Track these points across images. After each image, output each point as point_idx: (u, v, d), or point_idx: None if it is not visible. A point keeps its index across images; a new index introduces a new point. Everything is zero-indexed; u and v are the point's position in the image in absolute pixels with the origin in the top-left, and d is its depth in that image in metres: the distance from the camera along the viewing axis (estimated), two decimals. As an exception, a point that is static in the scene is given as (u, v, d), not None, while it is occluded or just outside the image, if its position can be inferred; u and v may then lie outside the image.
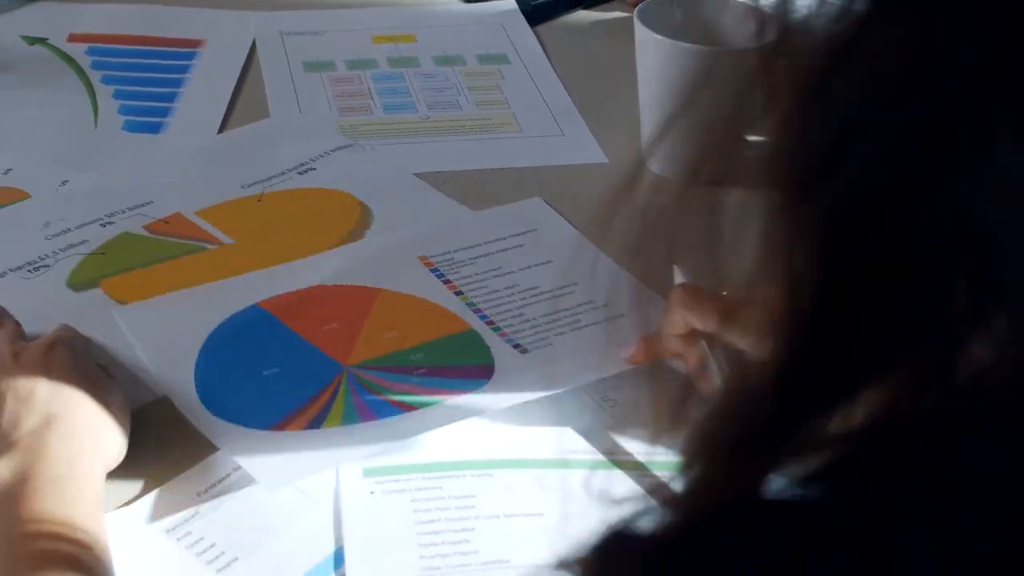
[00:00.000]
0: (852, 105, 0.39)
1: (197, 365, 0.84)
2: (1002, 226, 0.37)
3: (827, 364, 0.41)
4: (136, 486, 0.77)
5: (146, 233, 1.01)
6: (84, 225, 1.01)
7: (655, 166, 1.12)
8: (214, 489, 0.77)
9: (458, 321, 0.90)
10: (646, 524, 0.42)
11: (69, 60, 1.29)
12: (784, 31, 0.41)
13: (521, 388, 0.83)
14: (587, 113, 1.23)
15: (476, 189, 1.10)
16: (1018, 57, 0.36)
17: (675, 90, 1.08)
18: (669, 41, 1.07)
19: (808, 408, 0.42)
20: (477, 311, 0.91)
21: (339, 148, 1.13)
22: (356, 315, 0.90)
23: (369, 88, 1.26)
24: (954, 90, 0.36)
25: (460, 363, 0.86)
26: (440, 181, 1.10)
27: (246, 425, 0.80)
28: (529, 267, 0.96)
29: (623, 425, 0.81)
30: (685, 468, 0.44)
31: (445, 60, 1.32)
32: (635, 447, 0.80)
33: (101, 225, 1.01)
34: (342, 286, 0.93)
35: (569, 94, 1.26)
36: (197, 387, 0.83)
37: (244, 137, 1.15)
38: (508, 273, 0.95)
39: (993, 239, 0.37)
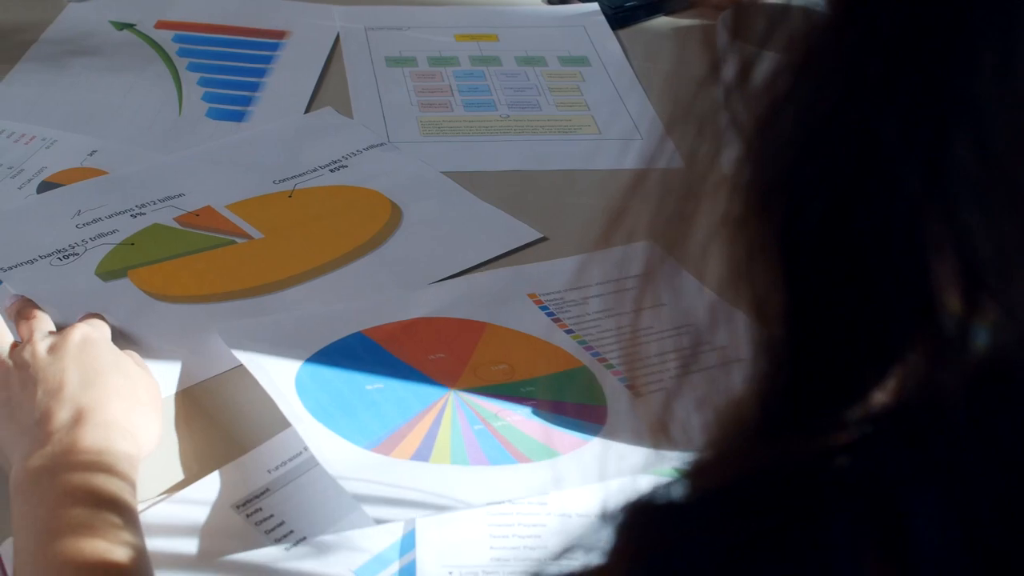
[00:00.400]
0: (798, 132, 0.40)
1: (298, 378, 0.84)
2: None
3: (815, 377, 0.42)
4: (203, 464, 0.78)
5: (176, 225, 1.02)
6: (115, 215, 1.02)
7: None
8: (285, 467, 0.78)
9: (570, 358, 0.89)
10: (674, 491, 0.43)
11: (156, 47, 1.31)
12: (743, 63, 0.42)
13: (634, 442, 0.80)
14: (664, 115, 1.23)
15: (552, 194, 1.09)
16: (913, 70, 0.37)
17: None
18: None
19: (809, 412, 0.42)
20: (589, 348, 0.89)
21: (371, 147, 1.13)
22: (463, 347, 0.89)
23: (451, 85, 1.27)
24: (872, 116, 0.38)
25: (573, 400, 0.85)
26: (514, 182, 1.10)
27: (349, 439, 0.79)
28: (642, 309, 0.94)
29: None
30: (706, 446, 0.45)
31: (527, 60, 1.32)
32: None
33: (132, 216, 1.02)
34: (447, 319, 0.92)
35: (649, 99, 1.26)
36: (302, 399, 0.82)
37: (274, 132, 1.16)
38: (620, 314, 0.94)
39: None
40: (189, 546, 0.72)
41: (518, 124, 1.20)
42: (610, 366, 0.88)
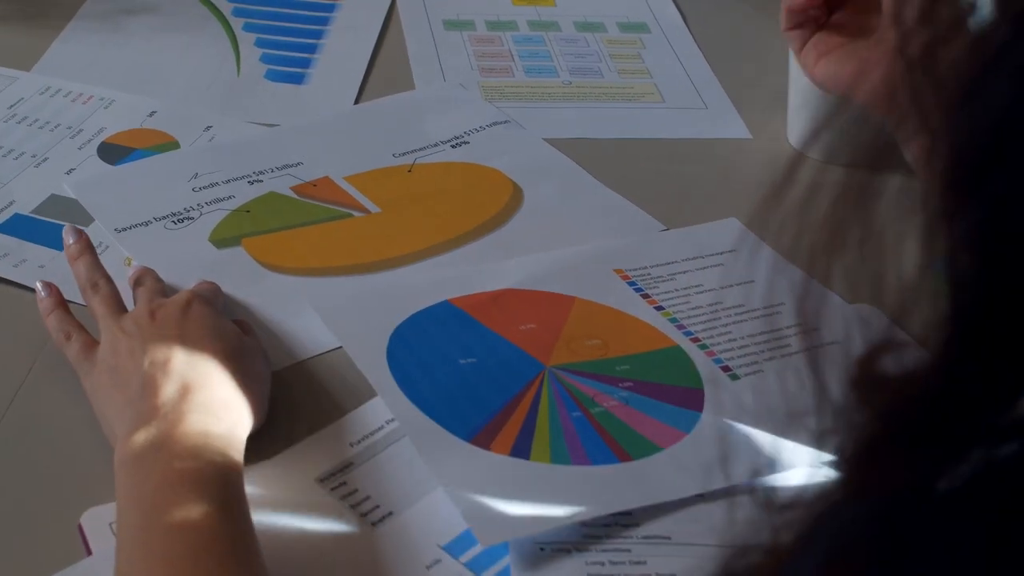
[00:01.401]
0: (1004, 108, 0.38)
1: (389, 350, 0.82)
2: None
3: (996, 368, 0.40)
4: (286, 438, 0.76)
5: (293, 195, 1.00)
6: (232, 180, 1.00)
7: (800, 145, 1.11)
8: (368, 440, 0.76)
9: (663, 336, 0.87)
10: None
11: (210, 6, 1.29)
12: (932, 35, 0.40)
13: (737, 431, 0.78)
14: (728, 87, 1.21)
15: (623, 164, 1.08)
16: None
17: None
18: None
19: (979, 408, 0.41)
20: (681, 327, 0.87)
21: (495, 123, 1.11)
22: (553, 320, 0.87)
23: (510, 50, 1.25)
24: None
25: (668, 382, 0.83)
26: (583, 150, 1.09)
27: (447, 426, 0.77)
28: (732, 285, 0.92)
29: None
30: (848, 465, 0.43)
31: (586, 26, 1.30)
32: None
33: (249, 182, 1.00)
34: (535, 291, 0.90)
35: (711, 67, 1.24)
36: (393, 374, 0.80)
37: (395, 105, 1.13)
38: (710, 290, 0.91)
39: None
40: (276, 521, 0.70)
41: (581, 91, 1.19)
42: (704, 346, 0.86)
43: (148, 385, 0.71)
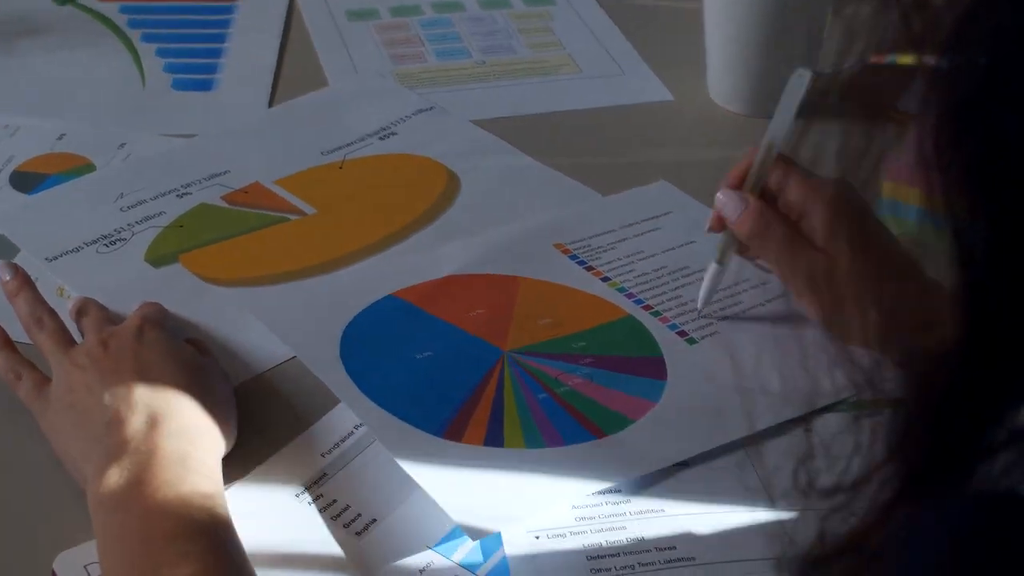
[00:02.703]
0: (1002, 38, 0.37)
1: (343, 354, 0.80)
2: None
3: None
4: (255, 456, 0.74)
5: (225, 204, 0.97)
6: (160, 196, 0.97)
7: (723, 102, 1.11)
8: (339, 448, 0.74)
9: (614, 308, 0.86)
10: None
11: (104, 20, 1.25)
12: None
13: (702, 399, 0.78)
14: (642, 51, 1.20)
15: (549, 138, 1.06)
16: None
17: (750, 23, 1.05)
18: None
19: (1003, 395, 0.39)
20: (630, 296, 0.86)
21: (419, 111, 1.09)
22: (502, 302, 0.85)
23: (418, 35, 1.23)
24: None
25: (628, 354, 0.82)
26: (508, 129, 1.07)
27: (415, 424, 0.75)
28: (673, 248, 0.91)
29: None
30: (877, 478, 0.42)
31: (491, 3, 1.29)
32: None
33: (178, 196, 0.97)
34: (478, 275, 0.88)
35: (623, 34, 1.23)
36: (351, 377, 0.78)
37: (315, 102, 1.11)
38: (652, 256, 0.90)
39: None
40: (260, 541, 0.68)
41: (496, 69, 1.17)
42: (656, 313, 0.85)
43: (114, 421, 0.68)
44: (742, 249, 0.83)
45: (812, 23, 1.06)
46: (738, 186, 0.82)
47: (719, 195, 0.81)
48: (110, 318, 0.80)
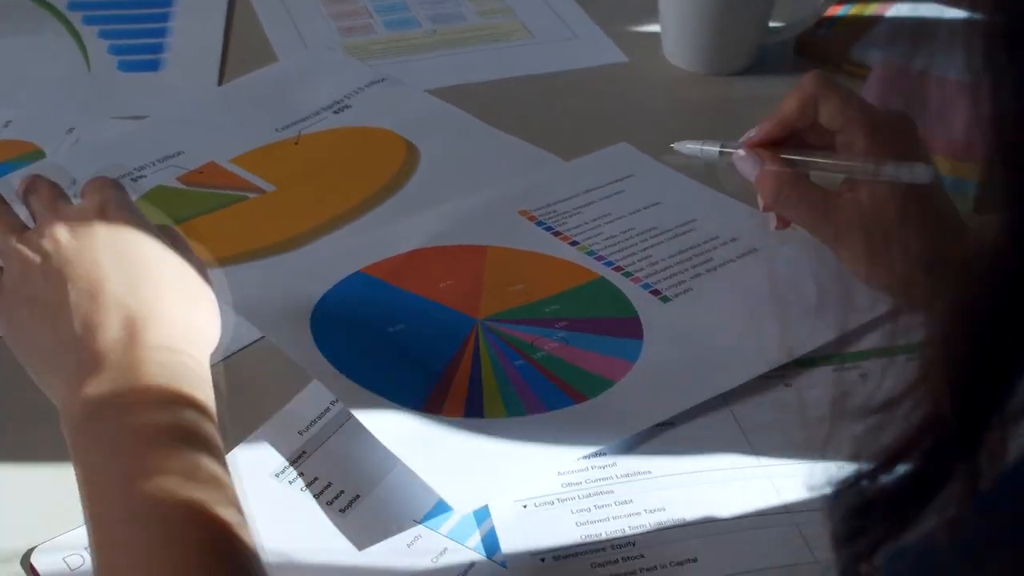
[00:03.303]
0: None
1: (314, 332, 0.78)
2: None
3: None
4: (228, 438, 0.72)
5: (181, 185, 0.95)
6: None
7: (678, 61, 1.10)
8: (316, 425, 0.73)
9: (584, 271, 0.85)
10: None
11: (45, 4, 1.22)
12: None
13: (680, 355, 0.77)
14: (593, 14, 1.19)
15: (506, 105, 1.05)
16: None
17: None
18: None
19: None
20: (600, 258, 0.85)
21: (372, 83, 1.07)
22: (471, 272, 0.84)
23: (366, 6, 1.21)
24: None
25: (602, 315, 0.81)
26: (463, 97, 1.06)
27: (394, 399, 0.73)
28: (638, 210, 0.90)
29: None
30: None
31: (437, -29, 1.27)
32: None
33: (132, 180, 0.95)
34: (445, 247, 0.87)
35: (573, -4, 1.22)
36: (324, 355, 0.76)
37: (266, 78, 1.09)
38: (619, 218, 0.89)
39: None
40: (243, 523, 0.66)
41: (447, 38, 1.16)
42: (628, 274, 0.84)
43: (87, 325, 0.60)
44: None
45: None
46: (764, 143, 0.81)
47: (735, 158, 0.81)
48: (65, 195, 0.70)
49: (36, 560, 0.65)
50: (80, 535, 0.64)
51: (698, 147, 0.84)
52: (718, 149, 0.82)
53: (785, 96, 0.80)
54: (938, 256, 0.75)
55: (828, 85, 0.79)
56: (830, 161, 0.79)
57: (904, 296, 0.78)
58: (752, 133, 0.81)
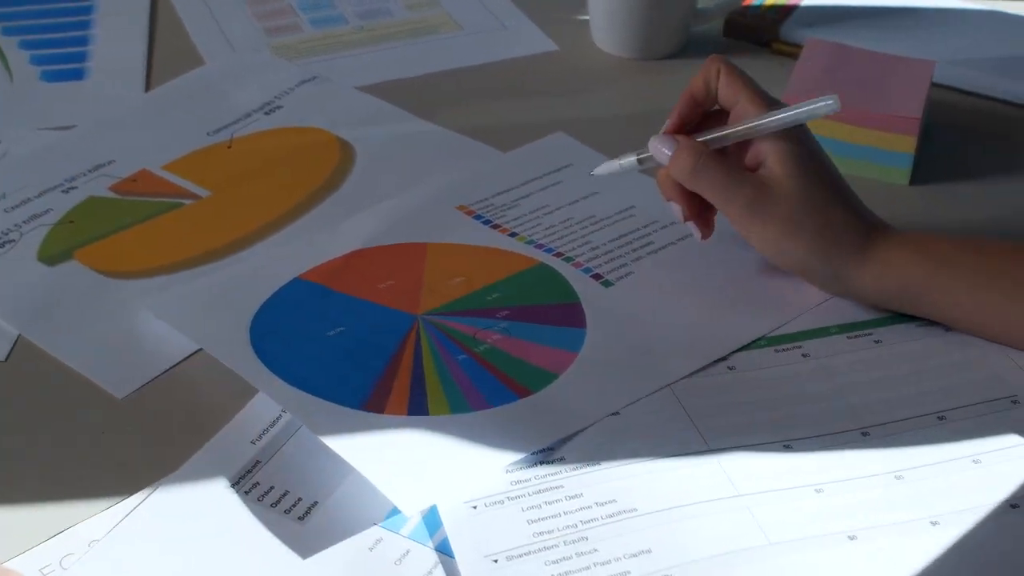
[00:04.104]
0: None
1: (254, 342, 0.78)
2: None
3: None
4: (181, 452, 0.72)
5: (114, 195, 0.94)
6: (45, 193, 0.94)
7: (609, 48, 1.10)
8: (268, 434, 0.73)
9: (524, 258, 0.85)
10: None
11: (-40, 16, 1.20)
12: None
13: (624, 344, 0.78)
14: (520, 4, 1.19)
15: (439, 99, 1.05)
16: None
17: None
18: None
19: None
20: (540, 246, 0.86)
21: (302, 82, 1.07)
22: (411, 271, 0.84)
23: (291, 5, 1.20)
24: None
25: (544, 302, 0.81)
26: (394, 93, 1.06)
27: (334, 399, 0.73)
28: (576, 200, 0.91)
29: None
30: None
31: (360, -34, 1.26)
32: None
33: (63, 191, 0.94)
34: (384, 247, 0.87)
35: (500, -13, 1.22)
36: (265, 364, 0.76)
37: (193, 82, 1.08)
38: (558, 208, 0.90)
39: None
40: (195, 537, 0.66)
41: (375, 33, 1.15)
42: (568, 259, 0.85)
43: None
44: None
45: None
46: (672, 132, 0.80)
47: (651, 143, 0.80)
48: None
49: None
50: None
51: (616, 164, 0.83)
52: (635, 158, 0.82)
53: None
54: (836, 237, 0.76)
55: (724, 61, 0.79)
56: (741, 127, 0.78)
57: (809, 278, 0.80)
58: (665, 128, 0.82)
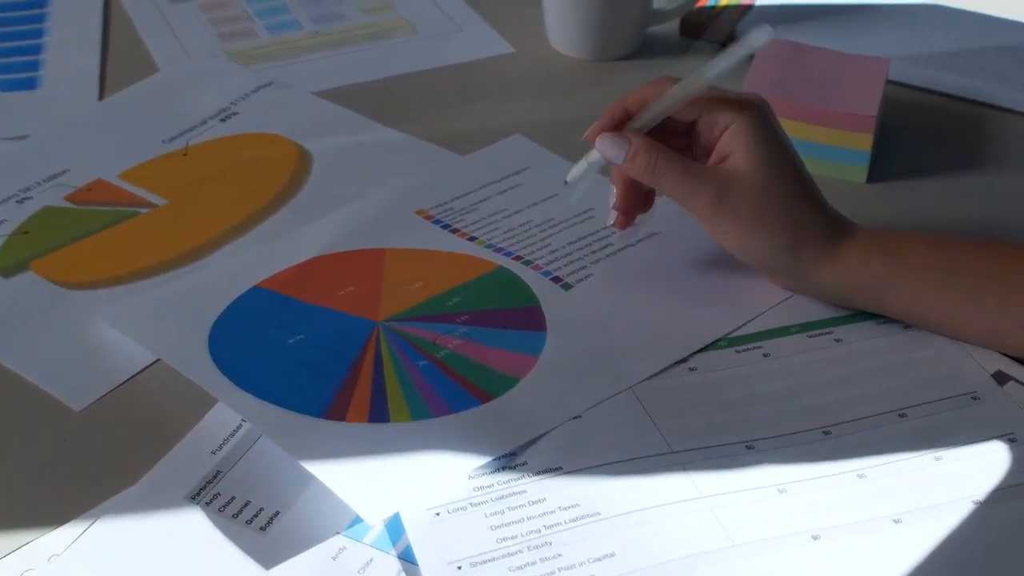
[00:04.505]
0: None
1: (212, 352, 0.77)
2: None
3: None
4: (141, 465, 0.71)
5: (70, 205, 0.93)
6: None
7: (565, 49, 1.10)
8: (228, 443, 0.72)
9: (484, 262, 0.85)
10: None
11: (-89, 25, 1.19)
12: None
13: (584, 347, 0.77)
14: (476, 6, 1.19)
15: (396, 103, 1.05)
16: None
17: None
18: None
19: None
20: (499, 250, 0.86)
21: (259, 88, 1.06)
22: (370, 277, 0.84)
23: (245, 11, 1.20)
24: None
25: (504, 306, 0.81)
26: (351, 98, 1.05)
27: (295, 408, 0.73)
28: (535, 203, 0.91)
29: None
30: None
31: (315, -29, 1.26)
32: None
33: (17, 201, 0.93)
34: (343, 253, 0.86)
35: (454, -11, 1.22)
36: (225, 374, 0.76)
37: (148, 90, 1.07)
38: (517, 212, 0.90)
39: None
40: (157, 549, 0.66)
41: (331, 38, 1.15)
42: (528, 262, 0.85)
43: None
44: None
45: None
46: (612, 128, 0.79)
47: (598, 142, 0.79)
48: None
49: None
50: None
51: (584, 162, 0.81)
52: (597, 157, 0.80)
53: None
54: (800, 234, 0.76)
55: (670, 78, 0.79)
56: (671, 99, 0.77)
57: (773, 274, 0.80)
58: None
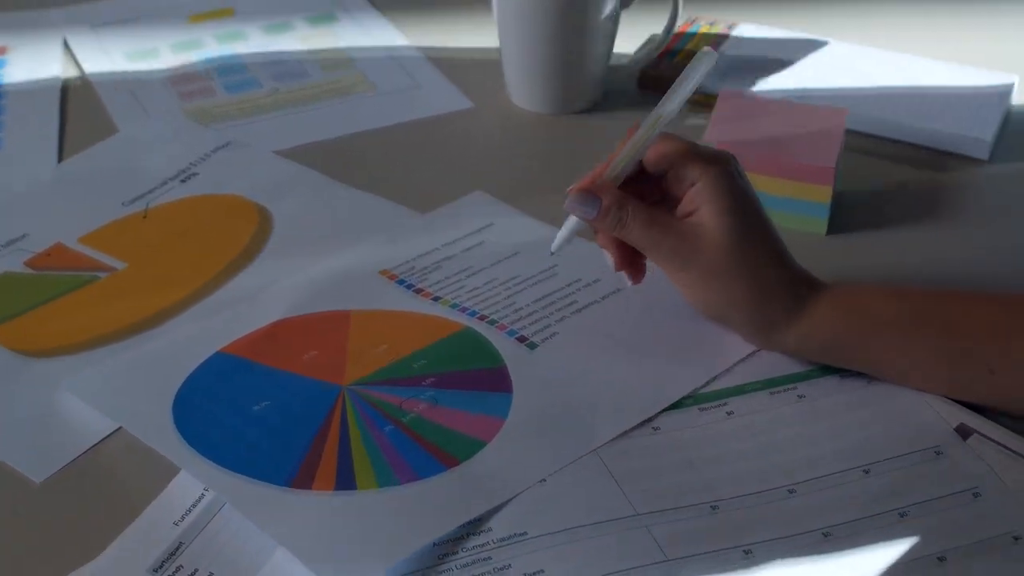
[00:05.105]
0: None
1: (176, 420, 0.77)
2: None
3: None
4: (101, 538, 0.70)
5: (29, 270, 0.92)
6: None
7: (524, 104, 1.11)
8: (191, 514, 0.72)
9: (448, 323, 0.85)
10: None
11: None
12: None
13: (550, 408, 0.77)
14: (435, 61, 1.19)
15: (356, 161, 1.05)
16: None
17: (543, 20, 1.05)
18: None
19: None
20: (463, 310, 0.85)
21: (218, 148, 1.06)
22: (334, 340, 0.83)
23: (205, 70, 1.19)
24: None
25: (469, 368, 0.81)
26: (312, 156, 1.05)
27: (261, 478, 0.72)
28: (500, 261, 0.90)
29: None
30: None
31: (273, 28, 1.26)
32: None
33: (-23, 268, 0.92)
34: (306, 316, 0.86)
35: (412, 44, 1.22)
36: (189, 442, 0.75)
37: (107, 151, 1.07)
38: (481, 270, 0.90)
39: None
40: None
41: (291, 96, 1.15)
42: (492, 322, 0.84)
43: None
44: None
45: (605, 17, 1.07)
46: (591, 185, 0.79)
47: (567, 203, 0.79)
48: None
49: None
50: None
51: (565, 230, 0.81)
52: (576, 219, 0.80)
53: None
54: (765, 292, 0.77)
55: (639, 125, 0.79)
56: (634, 145, 0.78)
57: (737, 329, 0.80)
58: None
